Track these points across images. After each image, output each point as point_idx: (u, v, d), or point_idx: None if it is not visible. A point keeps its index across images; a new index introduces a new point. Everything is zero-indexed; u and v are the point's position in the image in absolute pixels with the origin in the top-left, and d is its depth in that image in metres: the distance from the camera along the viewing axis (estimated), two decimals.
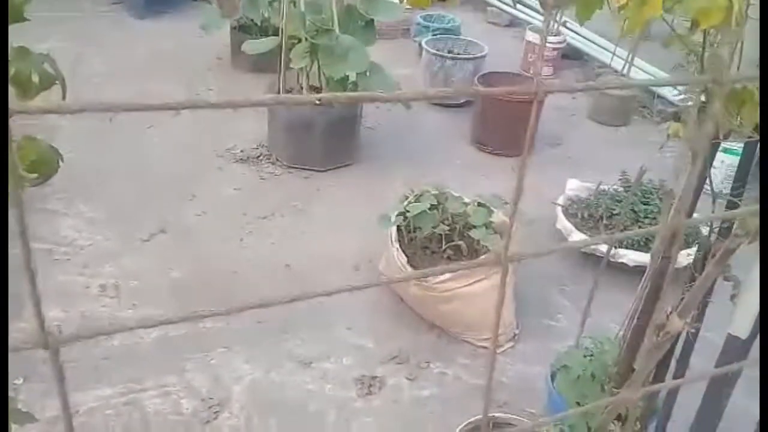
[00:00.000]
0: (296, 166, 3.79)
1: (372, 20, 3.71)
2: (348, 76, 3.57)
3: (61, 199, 3.33)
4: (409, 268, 2.69)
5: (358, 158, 3.90)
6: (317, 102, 0.47)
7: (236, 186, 3.62)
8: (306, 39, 3.53)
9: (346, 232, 3.30)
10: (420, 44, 4.85)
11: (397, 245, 2.74)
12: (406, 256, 2.72)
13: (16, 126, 0.36)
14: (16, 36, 0.81)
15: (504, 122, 3.98)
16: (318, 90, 3.85)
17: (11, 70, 1.01)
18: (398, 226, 2.79)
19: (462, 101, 4.45)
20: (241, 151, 3.91)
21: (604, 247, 3.12)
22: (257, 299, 0.46)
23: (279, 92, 3.87)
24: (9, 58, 1.03)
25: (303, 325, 2.71)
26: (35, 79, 1.02)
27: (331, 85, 3.66)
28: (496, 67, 4.45)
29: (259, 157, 3.88)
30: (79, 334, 0.37)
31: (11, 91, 1.05)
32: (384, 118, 4.34)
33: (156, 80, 4.49)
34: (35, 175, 1.00)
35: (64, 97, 1.11)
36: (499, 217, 2.82)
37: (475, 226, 2.71)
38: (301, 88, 3.88)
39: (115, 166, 3.68)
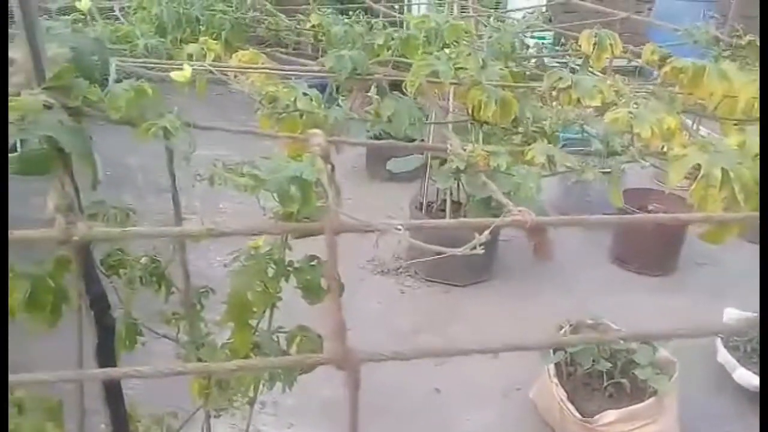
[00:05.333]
0: (435, 280, 3.84)
1: None
2: (492, 195, 3.64)
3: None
4: (570, 405, 2.63)
5: (496, 273, 3.91)
6: None
7: (378, 300, 3.71)
8: (453, 160, 3.65)
9: (491, 355, 3.27)
10: None
11: (557, 380, 2.69)
12: (566, 392, 2.66)
13: None
14: None
15: (647, 239, 3.90)
16: (459, 205, 3.94)
17: (304, 278, 1.12)
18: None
19: (599, 215, 4.40)
20: (382, 262, 4.02)
21: None
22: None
23: (421, 206, 4.00)
24: (299, 267, 1.14)
25: None
26: (324, 285, 1.12)
27: (474, 203, 3.73)
28: (632, 181, 4.40)
29: (398, 269, 3.97)
30: None
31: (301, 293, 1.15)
32: (518, 230, 4.35)
33: None
34: None
35: (340, 296, 1.20)
36: (661, 352, 2.74)
37: (639, 365, 2.63)
38: (443, 202, 3.98)
39: None
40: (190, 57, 1.21)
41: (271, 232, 0.95)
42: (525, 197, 0.98)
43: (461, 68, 1.16)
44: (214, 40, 1.30)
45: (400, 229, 0.90)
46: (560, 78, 1.10)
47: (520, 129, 1.16)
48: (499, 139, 1.20)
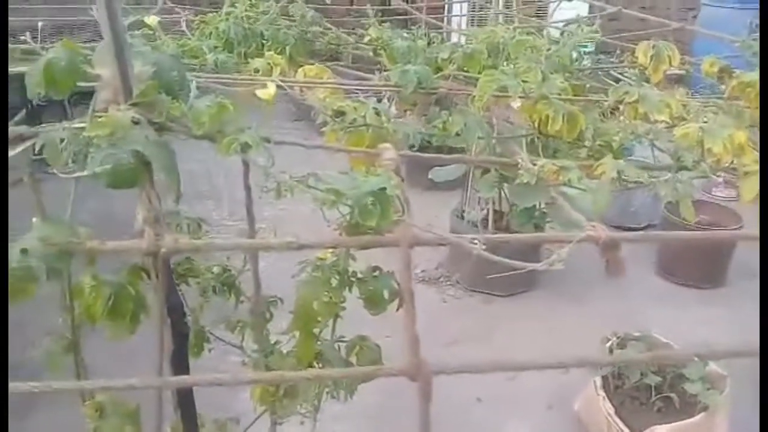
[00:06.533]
0: (477, 289, 3.83)
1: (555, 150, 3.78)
2: (536, 205, 3.62)
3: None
4: (618, 419, 2.59)
5: (538, 284, 3.88)
6: None
7: (420, 309, 3.69)
8: (496, 169, 3.64)
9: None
10: None
11: (603, 393, 2.66)
12: (613, 405, 2.63)
13: None
14: None
15: (694, 251, 3.82)
16: (501, 214, 3.92)
17: (366, 288, 1.13)
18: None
19: (643, 225, 4.34)
20: (423, 271, 4.03)
21: None
22: None
23: (462, 215, 3.99)
24: (362, 277, 1.16)
25: None
26: (386, 295, 1.13)
27: (517, 212, 3.71)
28: None
29: (439, 278, 3.97)
30: None
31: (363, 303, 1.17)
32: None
33: None
34: None
35: (398, 309, 1.22)
36: (711, 366, 2.68)
37: (689, 379, 2.58)
38: (485, 211, 3.97)
39: None
40: (256, 71, 1.24)
41: (347, 245, 0.97)
42: (591, 212, 0.97)
43: (525, 82, 1.17)
44: (279, 54, 1.33)
45: (476, 244, 0.91)
46: (626, 92, 1.10)
47: (586, 143, 1.16)
48: (564, 153, 1.20)
